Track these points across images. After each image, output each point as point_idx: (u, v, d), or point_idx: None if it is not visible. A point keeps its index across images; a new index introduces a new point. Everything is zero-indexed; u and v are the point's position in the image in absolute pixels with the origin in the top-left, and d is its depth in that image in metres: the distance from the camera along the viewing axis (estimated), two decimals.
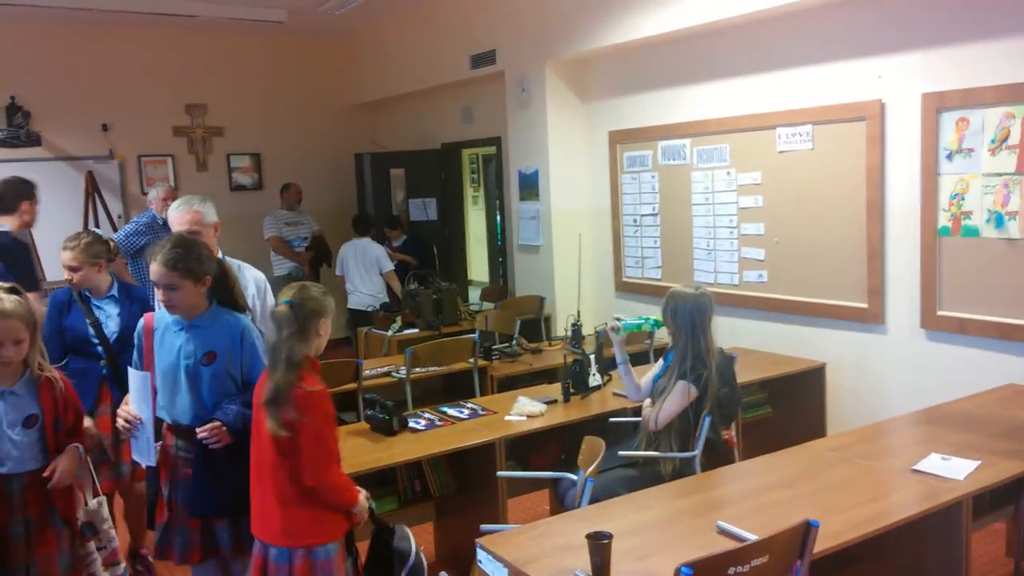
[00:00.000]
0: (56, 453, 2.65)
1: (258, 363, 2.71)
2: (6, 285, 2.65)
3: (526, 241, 6.52)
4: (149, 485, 2.83)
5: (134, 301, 3.58)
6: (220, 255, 3.17)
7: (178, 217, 3.20)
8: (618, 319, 3.62)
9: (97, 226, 7.17)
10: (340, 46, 8.63)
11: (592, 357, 4.01)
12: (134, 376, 2.73)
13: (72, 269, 3.45)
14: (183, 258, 2.65)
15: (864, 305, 4.45)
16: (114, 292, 3.57)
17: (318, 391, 2.47)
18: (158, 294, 2.70)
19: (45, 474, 2.60)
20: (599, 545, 2.16)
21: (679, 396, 3.25)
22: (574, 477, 3.10)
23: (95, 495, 2.84)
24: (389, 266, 6.71)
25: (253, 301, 3.20)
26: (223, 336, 2.72)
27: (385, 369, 4.73)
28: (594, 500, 2.83)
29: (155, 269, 2.64)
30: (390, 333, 5.72)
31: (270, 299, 3.29)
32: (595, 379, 3.99)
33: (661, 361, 3.51)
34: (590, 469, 2.85)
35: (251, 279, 3.30)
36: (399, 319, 5.84)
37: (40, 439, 2.63)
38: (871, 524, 2.42)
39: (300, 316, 2.45)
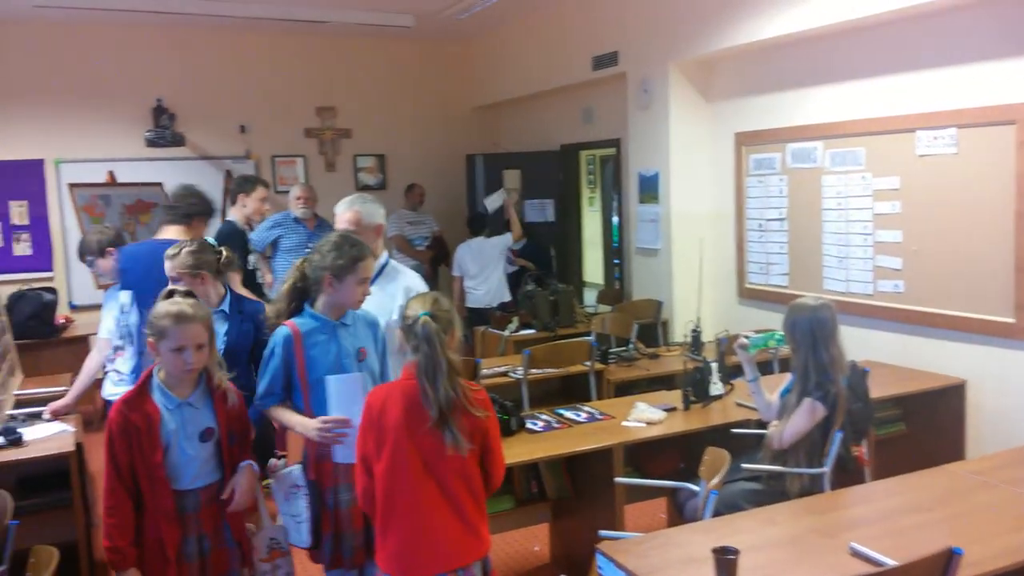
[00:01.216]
0: (230, 468, 2.60)
1: (387, 362, 2.77)
2: (183, 289, 2.69)
3: (644, 244, 6.44)
4: (311, 502, 2.73)
5: (246, 318, 3.28)
6: (385, 257, 3.22)
7: (340, 214, 3.20)
8: (746, 336, 3.53)
9: None
10: (463, 50, 8.78)
11: (714, 365, 3.92)
12: (337, 381, 2.67)
13: (173, 280, 3.12)
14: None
15: (1011, 320, 4.16)
16: (224, 307, 3.27)
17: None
18: (363, 289, 2.78)
19: (224, 496, 2.57)
20: (726, 560, 2.11)
21: (805, 415, 3.13)
22: (695, 488, 3.04)
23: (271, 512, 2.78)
24: (509, 268, 6.77)
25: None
26: (367, 333, 2.81)
27: (502, 369, 4.77)
28: (716, 513, 2.76)
29: (370, 262, 2.76)
30: (507, 333, 5.77)
31: None
32: (716, 388, 3.90)
33: (789, 375, 3.39)
34: (714, 481, 2.78)
35: (401, 288, 3.12)
36: (516, 319, 5.88)
37: (216, 453, 2.58)
38: (1018, 554, 2.26)
39: (444, 326, 2.40)
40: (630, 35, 6.36)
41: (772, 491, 3.15)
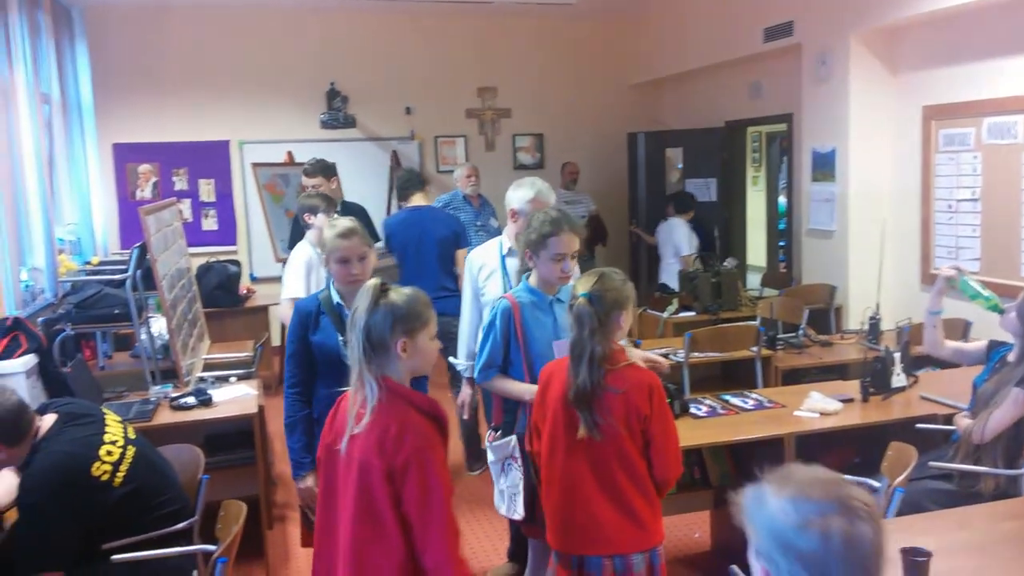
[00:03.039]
0: None
1: None
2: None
3: (817, 225, 6.09)
4: (525, 478, 2.75)
5: None
6: None
7: (520, 197, 3.23)
8: (958, 269, 3.32)
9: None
10: (624, 26, 8.61)
11: (896, 355, 3.64)
12: (562, 346, 2.61)
13: (344, 261, 2.79)
14: (579, 225, 2.83)
15: None
16: None
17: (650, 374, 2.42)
18: (560, 267, 2.75)
19: None
20: (917, 563, 1.95)
21: (1015, 405, 2.84)
22: (876, 484, 2.83)
23: None
24: (687, 249, 6.60)
25: None
26: None
27: (663, 351, 4.64)
28: (898, 513, 2.57)
29: (566, 239, 2.74)
30: (665, 315, 5.64)
31: None
32: (899, 379, 3.62)
33: (986, 361, 3.10)
34: (899, 479, 2.58)
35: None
36: (675, 301, 5.74)
37: None
38: None
39: (600, 310, 2.35)
40: (806, 4, 6.00)
41: (963, 492, 2.89)
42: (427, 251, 4.90)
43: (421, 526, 1.90)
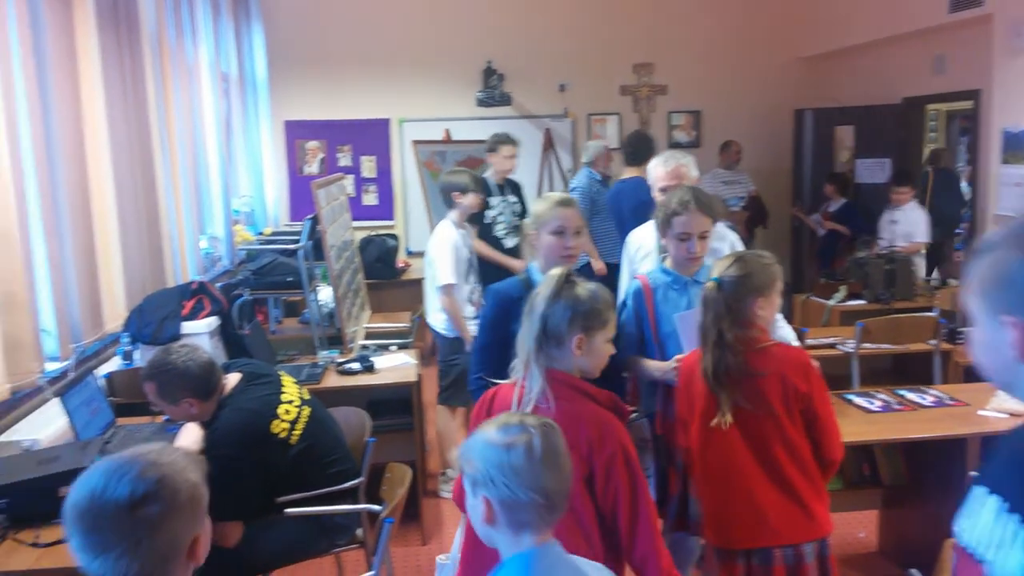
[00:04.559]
0: None
1: None
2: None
3: (1006, 211, 5.59)
4: (656, 458, 2.70)
5: None
6: None
7: (663, 172, 3.16)
8: None
9: (551, 180, 7.82)
10: None
11: None
12: (685, 318, 2.61)
13: (559, 232, 2.58)
14: (712, 204, 2.68)
15: None
16: None
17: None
18: (686, 247, 2.65)
19: None
20: None
21: None
22: None
23: None
24: (923, 235, 5.97)
25: None
26: None
27: (829, 341, 4.43)
28: None
29: (694, 219, 2.63)
30: (832, 302, 5.34)
31: None
32: None
33: None
34: None
35: (727, 247, 3.03)
36: (843, 288, 5.42)
37: None
38: None
39: (731, 295, 2.27)
40: None
41: None
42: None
43: (630, 521, 1.88)
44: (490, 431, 1.52)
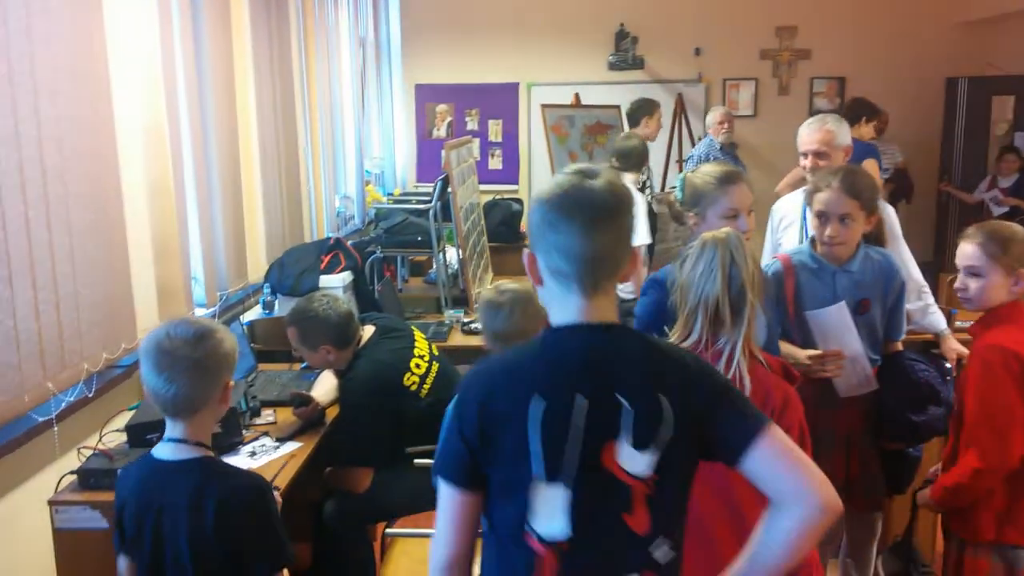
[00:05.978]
0: None
1: (898, 316, 2.50)
2: None
3: None
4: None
5: None
6: None
7: (808, 136, 2.93)
8: None
9: (680, 148, 7.62)
10: None
11: None
12: (822, 314, 2.46)
13: (731, 216, 2.32)
14: (861, 185, 2.40)
15: None
16: None
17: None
18: (825, 229, 2.42)
19: None
20: None
21: None
22: None
23: None
24: (998, 209, 5.78)
25: None
26: (876, 282, 2.49)
27: None
28: None
29: (828, 197, 2.40)
30: None
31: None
32: None
33: None
34: None
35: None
36: None
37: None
38: None
39: None
40: None
41: None
42: None
43: None
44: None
